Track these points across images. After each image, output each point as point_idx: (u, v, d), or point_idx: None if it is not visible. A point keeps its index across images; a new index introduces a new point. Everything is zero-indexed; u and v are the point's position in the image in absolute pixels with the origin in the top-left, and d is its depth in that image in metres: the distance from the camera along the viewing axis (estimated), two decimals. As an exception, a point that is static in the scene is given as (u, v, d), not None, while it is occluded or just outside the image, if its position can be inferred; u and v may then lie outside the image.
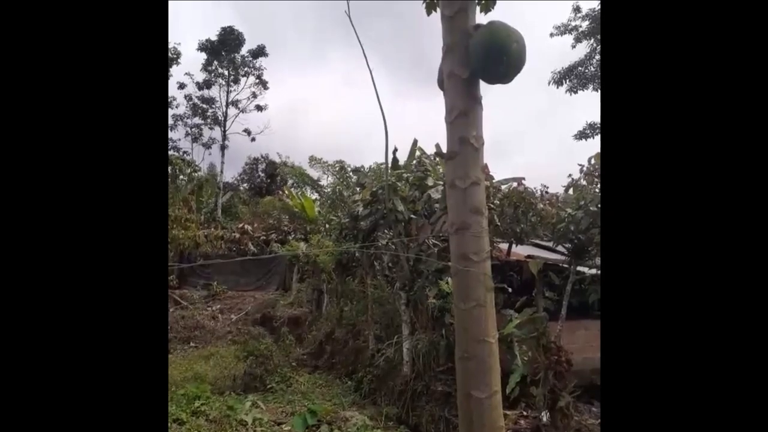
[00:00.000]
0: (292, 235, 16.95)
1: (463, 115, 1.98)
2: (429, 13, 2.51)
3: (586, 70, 16.86)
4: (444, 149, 2.12)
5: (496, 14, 2.32)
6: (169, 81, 26.28)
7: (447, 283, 5.74)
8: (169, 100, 26.64)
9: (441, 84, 2.11)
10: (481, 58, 1.89)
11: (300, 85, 46.46)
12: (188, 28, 45.07)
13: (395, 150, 9.81)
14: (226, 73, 27.35)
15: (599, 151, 6.54)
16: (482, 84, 2.03)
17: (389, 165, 6.63)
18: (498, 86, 2.07)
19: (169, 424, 5.13)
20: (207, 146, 27.74)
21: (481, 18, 2.20)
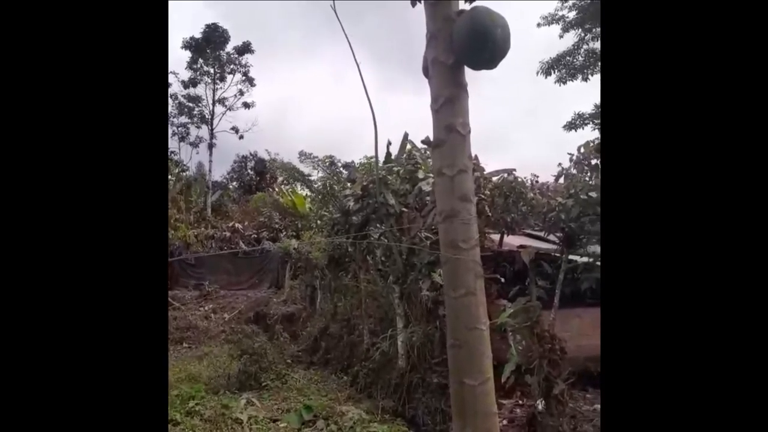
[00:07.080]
0: (284, 233, 16.88)
1: (449, 102, 1.96)
2: (414, 4, 2.47)
3: (575, 60, 16.85)
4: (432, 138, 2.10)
5: (481, 2, 2.29)
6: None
7: (440, 275, 5.72)
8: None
9: (426, 72, 2.08)
10: (464, 43, 1.87)
11: (288, 81, 46.21)
12: (172, 26, 44.50)
13: (389, 144, 9.73)
14: (211, 70, 27.06)
15: (588, 140, 6.58)
16: (471, 75, 2.01)
17: (379, 159, 6.60)
18: (486, 79, 2.06)
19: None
20: (194, 145, 27.50)
21: (465, 6, 2.17)
